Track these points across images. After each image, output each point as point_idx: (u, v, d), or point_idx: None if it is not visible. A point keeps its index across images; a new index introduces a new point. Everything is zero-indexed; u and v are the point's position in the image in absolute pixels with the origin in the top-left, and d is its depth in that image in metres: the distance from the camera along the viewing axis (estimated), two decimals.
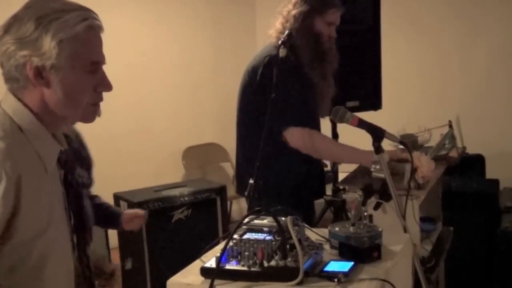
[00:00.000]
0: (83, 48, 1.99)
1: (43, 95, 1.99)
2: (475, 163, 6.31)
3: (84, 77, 2.01)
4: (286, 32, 3.67)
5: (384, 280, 2.01)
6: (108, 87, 2.07)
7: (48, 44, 1.93)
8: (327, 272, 2.03)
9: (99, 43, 2.06)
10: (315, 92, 3.82)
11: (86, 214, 2.26)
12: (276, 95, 3.52)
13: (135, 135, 6.62)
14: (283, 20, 3.82)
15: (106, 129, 5.77)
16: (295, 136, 3.70)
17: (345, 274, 1.99)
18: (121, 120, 6.36)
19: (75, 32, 1.95)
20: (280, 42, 3.63)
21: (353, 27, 4.55)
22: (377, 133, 2.87)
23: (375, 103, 4.79)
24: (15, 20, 1.96)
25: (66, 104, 2.01)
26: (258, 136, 3.57)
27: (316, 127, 3.87)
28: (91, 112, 2.07)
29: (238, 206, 7.30)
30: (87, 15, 1.99)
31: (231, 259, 2.07)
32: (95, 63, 2.03)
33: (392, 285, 2.01)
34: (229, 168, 7.35)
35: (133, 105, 6.53)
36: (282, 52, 3.57)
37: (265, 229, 2.15)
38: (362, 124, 2.89)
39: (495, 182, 6.11)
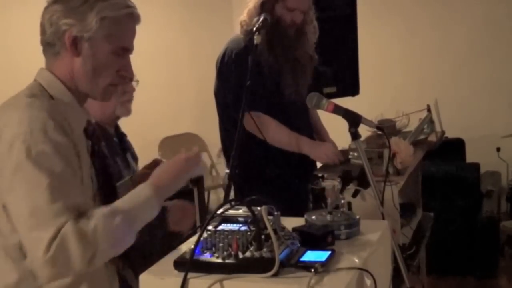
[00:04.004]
0: (120, 31, 2.20)
1: (73, 65, 2.19)
2: (455, 147, 6.30)
3: (112, 57, 2.20)
4: (261, 18, 3.62)
5: (362, 269, 1.97)
6: (130, 73, 2.27)
7: (92, 18, 2.14)
8: (304, 262, 1.99)
9: (133, 32, 2.26)
10: (276, 77, 3.79)
11: (113, 184, 2.41)
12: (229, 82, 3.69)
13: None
14: (252, 6, 3.80)
15: None
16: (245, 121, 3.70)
17: (322, 264, 1.95)
18: None
19: (118, 14, 2.17)
20: (254, 29, 3.58)
21: (329, 13, 4.51)
22: (353, 119, 2.83)
23: (353, 89, 4.76)
24: None
25: (91, 78, 2.19)
26: (226, 125, 3.65)
27: (275, 112, 3.82)
28: (110, 93, 2.26)
29: (216, 196, 7.25)
30: (129, 3, 2.23)
31: (205, 251, 2.03)
32: (125, 48, 2.23)
33: (370, 274, 1.97)
34: (206, 158, 7.30)
35: None
36: (257, 39, 3.52)
37: (240, 219, 2.11)
38: (338, 110, 2.85)
39: (476, 166, 6.09)
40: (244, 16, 3.85)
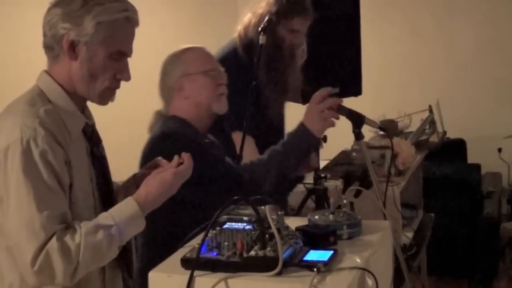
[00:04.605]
0: (116, 35, 2.22)
1: (70, 68, 2.21)
2: (456, 148, 6.31)
3: (108, 61, 2.22)
4: (266, 18, 3.63)
5: (364, 269, 1.99)
6: (127, 77, 2.29)
7: (88, 22, 2.16)
8: (307, 261, 2.01)
9: (131, 36, 2.28)
10: (262, 93, 3.78)
11: (112, 186, 2.42)
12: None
13: (119, 125, 6.54)
14: (252, 16, 3.78)
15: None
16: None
17: (325, 264, 1.97)
18: (104, 110, 6.27)
19: (114, 18, 2.18)
20: (260, 29, 3.61)
21: (332, 13, 4.52)
22: (357, 119, 2.85)
23: (355, 89, 4.75)
24: None
25: (88, 82, 2.22)
26: None
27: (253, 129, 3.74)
28: (107, 96, 2.30)
29: None
30: (127, 7, 2.22)
31: (210, 249, 2.05)
32: (122, 53, 2.25)
33: (371, 273, 1.99)
34: None
35: (117, 95, 6.42)
36: (262, 39, 3.56)
37: (244, 218, 2.13)
38: (342, 110, 2.87)
39: (477, 167, 6.12)
40: (241, 28, 3.84)
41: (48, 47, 2.24)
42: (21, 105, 2.17)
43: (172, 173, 2.26)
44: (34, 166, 2.06)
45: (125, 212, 2.17)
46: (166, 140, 2.92)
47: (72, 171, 2.17)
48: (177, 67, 3.00)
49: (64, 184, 2.13)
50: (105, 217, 2.15)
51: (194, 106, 2.99)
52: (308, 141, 2.88)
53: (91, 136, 2.34)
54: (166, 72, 3.05)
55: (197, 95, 2.98)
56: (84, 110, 2.33)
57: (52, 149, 2.09)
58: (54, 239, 2.03)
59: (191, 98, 2.98)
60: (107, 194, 2.37)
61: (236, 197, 2.13)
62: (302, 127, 2.88)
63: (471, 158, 6.41)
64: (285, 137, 3.05)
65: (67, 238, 2.04)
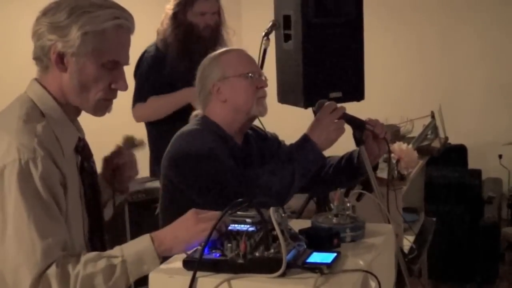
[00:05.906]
0: (106, 45, 2.11)
1: (61, 80, 2.12)
2: (458, 153, 6.33)
3: (101, 71, 2.13)
4: (270, 23, 3.67)
5: (367, 272, 2.00)
6: (122, 87, 2.17)
7: (74, 33, 2.05)
8: (310, 263, 2.02)
9: (124, 44, 2.17)
10: (181, 80, 4.00)
11: (101, 201, 2.36)
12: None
13: (121, 125, 6.52)
14: (164, 15, 4.07)
15: (94, 119, 5.72)
16: (139, 110, 4.17)
17: (328, 266, 1.98)
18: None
19: (102, 27, 2.07)
20: (264, 33, 3.66)
21: (335, 18, 4.52)
22: (358, 125, 2.88)
23: (358, 94, 4.75)
24: (55, 5, 2.09)
25: (79, 93, 2.13)
26: None
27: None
28: (102, 107, 2.19)
29: None
30: (119, 14, 2.10)
31: (213, 250, 2.05)
32: (115, 62, 2.12)
33: (375, 276, 2.00)
34: None
35: (122, 96, 6.41)
36: (266, 44, 3.61)
37: (248, 220, 2.13)
38: (345, 117, 2.89)
39: (478, 172, 6.13)
40: (160, 26, 4.10)
41: (37, 58, 2.16)
42: (14, 120, 2.07)
43: (194, 216, 2.14)
44: (34, 189, 1.99)
45: (136, 246, 2.09)
46: (178, 140, 2.90)
47: (67, 194, 2.11)
48: (215, 70, 2.91)
49: (62, 209, 2.07)
50: (114, 249, 2.08)
51: (231, 109, 2.90)
52: (312, 153, 2.83)
53: (82, 150, 2.27)
54: (203, 75, 2.96)
55: (235, 99, 2.89)
56: (74, 123, 2.25)
57: (51, 171, 2.03)
58: (54, 266, 1.95)
59: (229, 102, 2.89)
60: (95, 210, 2.30)
61: (240, 199, 2.14)
62: (307, 141, 2.83)
63: (472, 164, 6.43)
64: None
65: (69, 266, 1.97)
